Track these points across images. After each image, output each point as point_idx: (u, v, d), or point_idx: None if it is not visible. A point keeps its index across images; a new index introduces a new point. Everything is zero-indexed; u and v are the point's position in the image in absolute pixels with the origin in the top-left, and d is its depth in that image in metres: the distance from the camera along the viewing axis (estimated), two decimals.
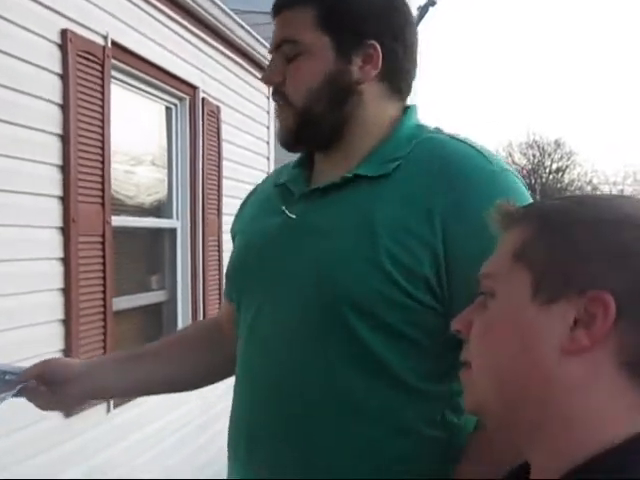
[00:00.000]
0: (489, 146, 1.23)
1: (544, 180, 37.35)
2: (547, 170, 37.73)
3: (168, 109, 4.40)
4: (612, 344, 0.70)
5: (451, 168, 1.10)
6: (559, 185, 37.17)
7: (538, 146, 37.55)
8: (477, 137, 1.21)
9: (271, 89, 1.21)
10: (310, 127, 1.17)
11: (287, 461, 1.14)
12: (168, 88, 4.18)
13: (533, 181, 36.95)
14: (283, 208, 1.19)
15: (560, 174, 37.66)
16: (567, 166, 37.42)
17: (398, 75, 1.19)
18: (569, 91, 70.92)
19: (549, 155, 37.58)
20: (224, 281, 1.38)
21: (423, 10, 2.40)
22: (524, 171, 37.28)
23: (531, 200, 1.12)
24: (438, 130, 1.23)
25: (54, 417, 3.00)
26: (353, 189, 1.13)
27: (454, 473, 1.09)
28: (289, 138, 1.20)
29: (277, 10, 1.19)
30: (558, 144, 37.28)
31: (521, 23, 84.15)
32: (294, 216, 1.17)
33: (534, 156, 37.66)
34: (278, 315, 1.16)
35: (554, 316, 0.72)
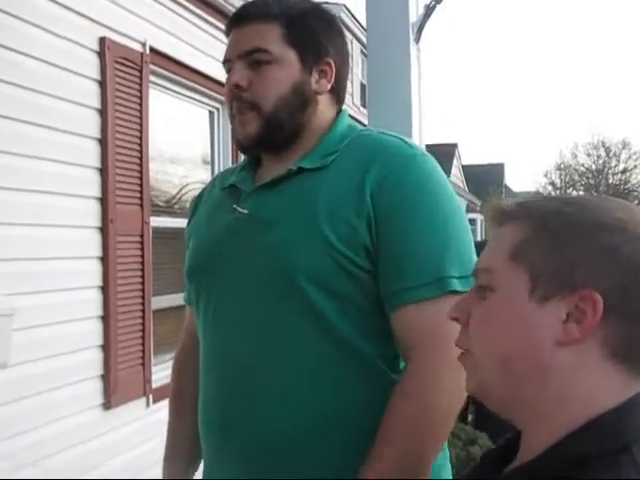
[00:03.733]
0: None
1: (610, 181, 36.49)
2: (613, 171, 36.83)
3: (211, 113, 4.51)
4: (600, 336, 0.79)
5: (379, 153, 1.26)
6: (626, 186, 36.27)
7: (604, 146, 36.73)
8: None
9: (231, 95, 1.31)
10: (273, 131, 1.30)
11: (258, 436, 1.25)
12: (210, 92, 4.29)
13: (599, 182, 36.13)
14: (234, 206, 1.31)
15: (627, 175, 36.74)
16: (635, 166, 36.48)
17: (341, 88, 1.38)
18: (636, 89, 69.06)
19: (615, 155, 36.71)
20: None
21: (430, 9, 2.39)
22: (589, 173, 36.49)
23: (446, 183, 1.29)
24: (368, 129, 1.43)
25: (94, 409, 3.13)
26: (297, 181, 1.28)
27: (360, 473, 1.19)
28: (250, 142, 1.31)
29: (241, 21, 1.31)
30: (625, 144, 36.39)
31: (580, 18, 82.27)
32: (246, 211, 1.29)
33: (599, 157, 36.84)
34: (238, 301, 1.27)
35: (549, 312, 0.80)
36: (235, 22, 1.31)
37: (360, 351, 1.22)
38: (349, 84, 12.76)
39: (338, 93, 1.36)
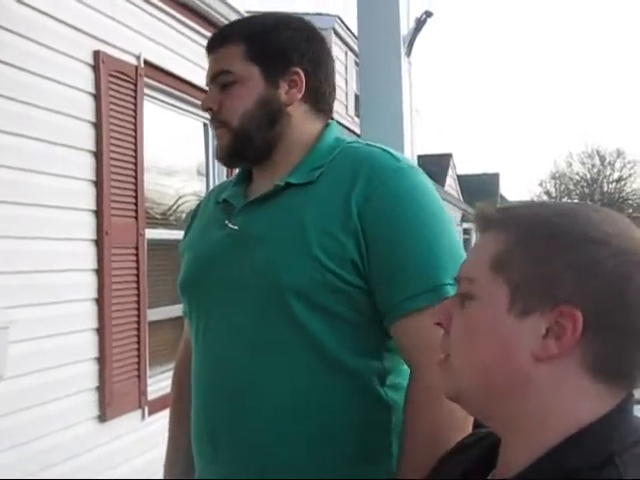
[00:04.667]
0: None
1: (605, 190, 36.62)
2: (608, 180, 36.97)
3: (205, 125, 4.52)
4: (579, 353, 0.78)
5: (365, 166, 1.26)
6: (621, 195, 36.41)
7: (599, 155, 36.89)
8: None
9: (209, 116, 1.36)
10: (244, 145, 1.33)
11: (247, 449, 1.25)
12: None
13: (593, 191, 36.23)
14: (226, 222, 1.33)
15: (622, 184, 36.88)
16: (630, 175, 36.63)
17: (320, 97, 1.36)
18: (630, 98, 69.42)
19: (610, 164, 36.87)
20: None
21: (421, 23, 2.43)
22: (584, 181, 36.61)
23: (434, 193, 1.28)
24: (356, 141, 1.41)
25: (89, 422, 3.13)
26: (285, 196, 1.29)
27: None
28: (225, 155, 1.36)
29: (211, 48, 1.35)
30: (619, 153, 36.56)
31: (574, 27, 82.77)
32: (236, 227, 1.31)
33: (593, 166, 37.00)
34: (228, 316, 1.29)
35: (528, 326, 0.79)
36: (207, 49, 1.37)
37: (347, 365, 1.23)
38: (343, 95, 12.80)
39: (315, 102, 1.35)
